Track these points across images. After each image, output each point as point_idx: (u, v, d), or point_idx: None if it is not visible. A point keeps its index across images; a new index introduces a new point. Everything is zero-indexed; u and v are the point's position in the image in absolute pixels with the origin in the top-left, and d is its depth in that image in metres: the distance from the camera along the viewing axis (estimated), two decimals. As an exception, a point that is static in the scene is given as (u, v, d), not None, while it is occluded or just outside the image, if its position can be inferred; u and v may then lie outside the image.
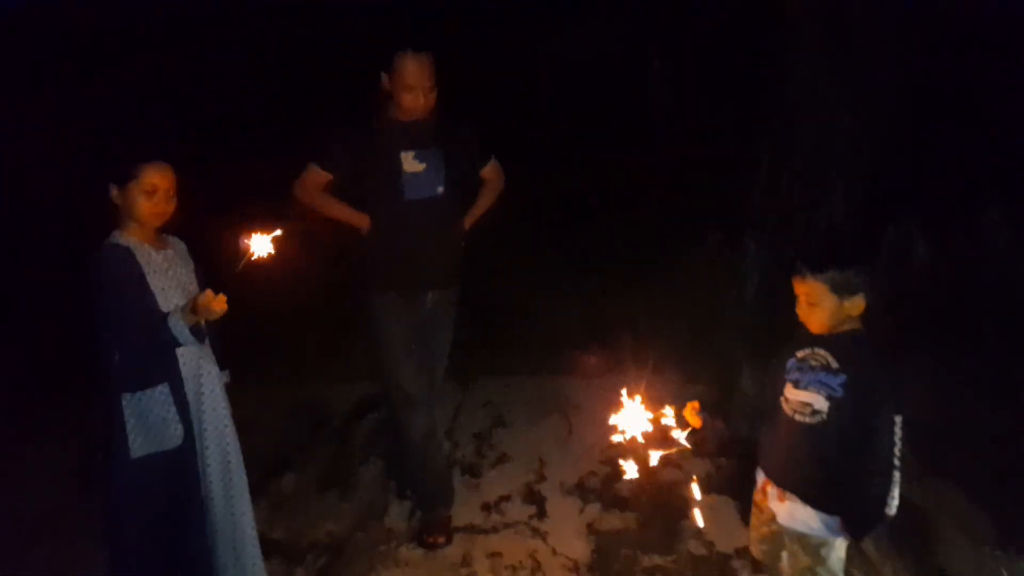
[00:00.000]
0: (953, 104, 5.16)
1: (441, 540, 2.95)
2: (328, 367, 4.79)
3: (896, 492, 1.88)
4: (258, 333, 3.94)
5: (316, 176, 2.80)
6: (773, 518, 2.14)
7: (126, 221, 2.15)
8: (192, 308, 2.00)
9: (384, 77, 2.67)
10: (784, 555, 2.16)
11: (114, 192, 2.13)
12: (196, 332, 2.07)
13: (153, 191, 2.11)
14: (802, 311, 2.01)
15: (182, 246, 2.34)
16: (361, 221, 2.83)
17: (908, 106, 5.02)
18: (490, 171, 3.04)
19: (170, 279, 2.17)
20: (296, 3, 6.75)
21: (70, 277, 2.34)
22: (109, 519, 2.22)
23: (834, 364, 1.96)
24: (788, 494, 2.07)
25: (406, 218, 2.77)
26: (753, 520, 2.27)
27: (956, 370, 4.19)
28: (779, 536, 2.15)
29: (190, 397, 2.19)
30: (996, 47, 5.20)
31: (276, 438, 3.83)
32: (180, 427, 2.16)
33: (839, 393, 1.93)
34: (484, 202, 3.07)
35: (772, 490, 2.13)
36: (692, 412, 2.06)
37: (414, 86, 2.64)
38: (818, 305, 1.96)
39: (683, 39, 6.04)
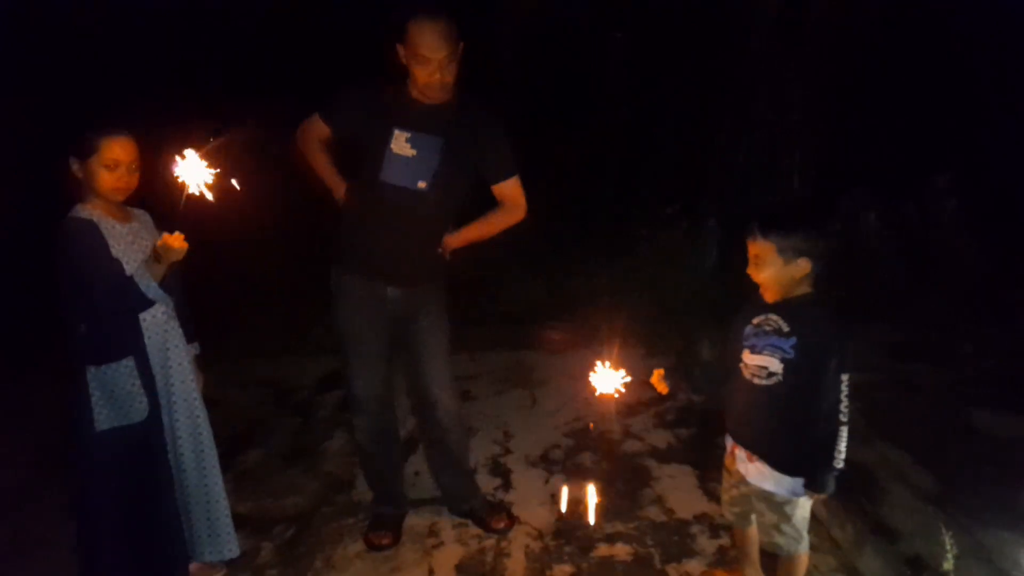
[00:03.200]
0: (902, 78, 5.30)
1: (385, 541, 2.76)
2: (289, 341, 4.78)
3: (843, 447, 1.97)
4: (218, 306, 3.91)
5: (317, 127, 2.55)
6: (742, 480, 2.23)
7: (88, 195, 2.12)
8: (155, 257, 2.02)
9: (400, 50, 2.36)
10: (753, 516, 2.26)
11: (75, 166, 2.10)
12: (165, 288, 2.09)
13: (115, 165, 2.09)
14: (751, 270, 2.09)
15: (147, 218, 2.32)
16: (337, 188, 2.59)
17: (859, 81, 5.14)
18: (506, 189, 2.58)
19: (135, 252, 2.15)
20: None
21: (32, 251, 2.31)
22: (76, 493, 2.22)
23: (785, 327, 2.04)
24: (756, 455, 2.16)
25: (377, 201, 2.48)
26: (724, 484, 2.36)
27: (901, 333, 4.37)
28: (748, 498, 2.24)
29: (156, 370, 2.19)
30: (944, 25, 5.33)
31: (239, 413, 3.84)
32: (146, 400, 2.16)
33: (791, 355, 2.02)
34: (482, 227, 2.65)
35: (740, 452, 2.22)
36: (658, 379, 2.18)
37: (429, 58, 2.28)
38: (764, 265, 2.04)
39: (642, 15, 6.05)
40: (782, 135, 4.98)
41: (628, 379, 2.05)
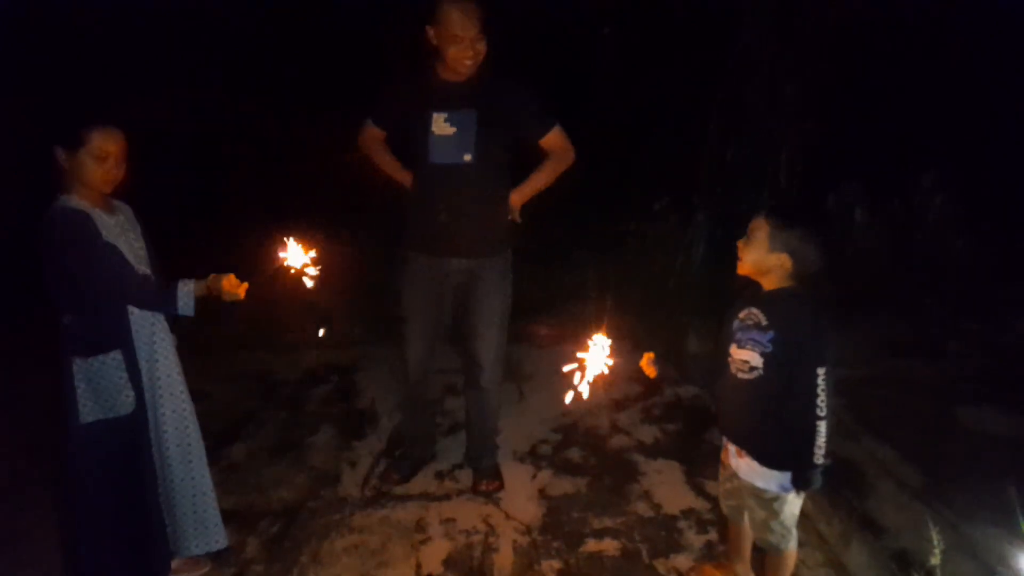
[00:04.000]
0: (892, 76, 5.31)
1: (395, 476, 3.14)
2: (276, 335, 4.75)
3: (822, 442, 1.96)
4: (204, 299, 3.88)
5: (371, 131, 2.83)
6: (735, 474, 2.23)
7: (75, 185, 2.07)
8: (210, 286, 2.07)
9: (430, 32, 2.54)
10: (746, 511, 2.26)
11: (62, 155, 2.05)
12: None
13: (105, 157, 2.05)
14: (741, 242, 2.12)
15: (129, 210, 2.29)
16: (404, 179, 2.83)
17: (848, 78, 5.15)
18: (551, 141, 2.76)
19: (123, 244, 2.12)
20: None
21: (19, 240, 2.28)
22: (62, 486, 2.21)
23: (764, 321, 2.05)
24: (743, 451, 2.16)
25: (431, 182, 2.71)
26: (720, 477, 2.37)
27: (889, 329, 4.40)
28: (740, 491, 2.25)
29: (143, 363, 2.16)
30: (934, 23, 5.35)
31: (224, 406, 3.80)
32: (132, 393, 2.14)
33: (769, 348, 2.03)
34: (539, 177, 2.81)
35: (731, 447, 2.23)
36: (647, 362, 2.19)
37: (461, 37, 2.48)
38: (752, 243, 2.07)
39: (633, 10, 6.03)
40: (772, 131, 4.98)
41: (612, 359, 2.04)
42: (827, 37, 4.93)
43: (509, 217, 2.83)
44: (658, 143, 5.70)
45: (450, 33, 2.49)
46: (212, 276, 2.08)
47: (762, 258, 2.06)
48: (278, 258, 2.19)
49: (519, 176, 2.84)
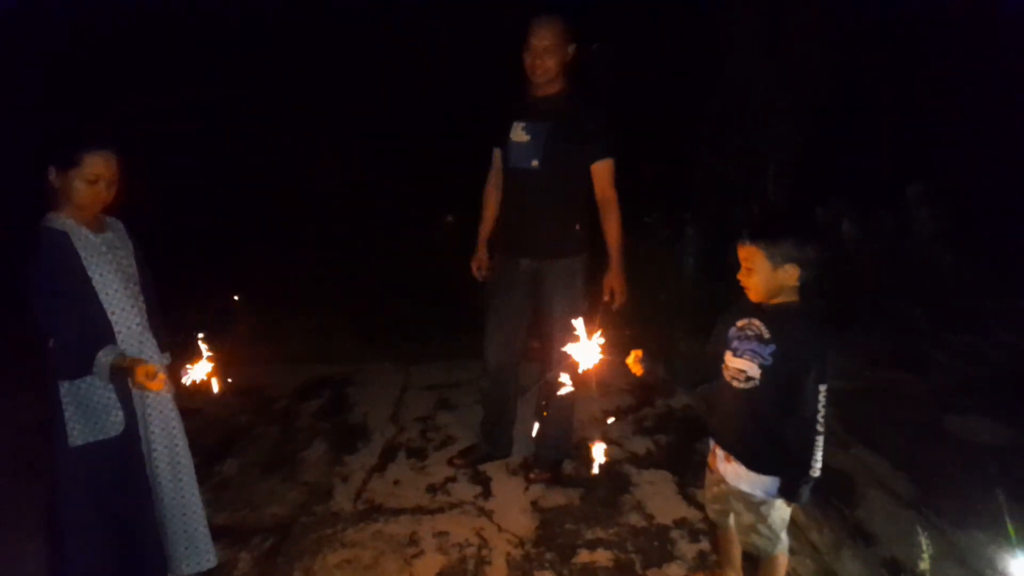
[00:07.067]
0: (878, 89, 5.39)
1: (457, 462, 3.37)
2: (267, 349, 4.74)
3: (819, 455, 1.99)
4: (195, 314, 3.87)
5: (497, 158, 3.09)
6: (722, 479, 2.24)
7: (64, 203, 2.06)
8: (126, 369, 1.97)
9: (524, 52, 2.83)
10: (732, 514, 2.27)
11: (53, 174, 2.04)
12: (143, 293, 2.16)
13: (96, 180, 2.04)
14: (742, 276, 2.11)
15: (121, 227, 2.26)
16: (483, 232, 3.23)
17: (836, 91, 5.22)
18: (599, 170, 2.96)
19: (109, 263, 2.10)
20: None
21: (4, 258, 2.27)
22: (52, 509, 2.17)
23: (766, 334, 2.06)
24: (732, 456, 2.17)
25: (510, 185, 3.01)
26: (707, 481, 2.38)
27: (878, 340, 4.43)
28: (727, 496, 2.25)
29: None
30: (918, 36, 5.44)
31: (216, 422, 3.78)
32: (121, 414, 2.11)
33: (769, 362, 2.03)
34: (610, 242, 3.01)
35: (720, 451, 2.24)
36: (635, 360, 2.19)
37: (533, 46, 2.77)
38: (754, 271, 2.06)
39: (622, 25, 6.10)
40: (762, 146, 5.03)
41: (603, 344, 2.06)
42: (816, 52, 5.01)
43: (576, 228, 2.99)
44: (648, 158, 5.75)
45: (527, 42, 2.80)
46: (131, 360, 2.00)
47: (770, 278, 2.04)
48: (185, 369, 2.15)
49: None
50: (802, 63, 5.03)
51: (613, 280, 3.02)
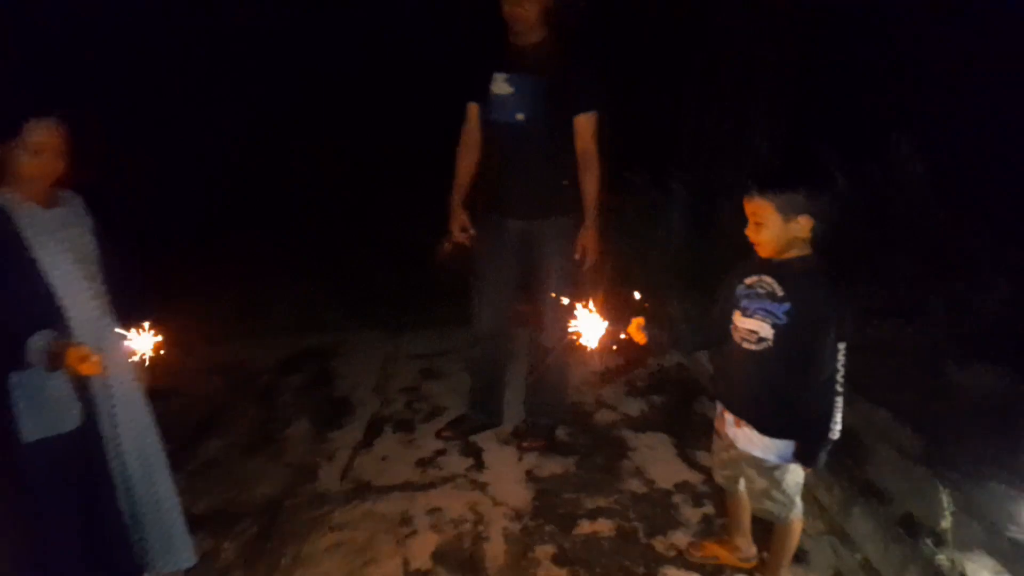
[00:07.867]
0: (867, 39, 5.25)
1: (447, 434, 3.23)
2: (246, 324, 4.56)
3: (839, 417, 1.88)
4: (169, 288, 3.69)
5: (472, 109, 2.88)
6: (732, 444, 2.13)
7: (9, 178, 1.89)
8: (56, 355, 1.78)
9: None
10: (743, 480, 2.16)
11: None
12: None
13: (40, 151, 1.87)
14: (750, 232, 1.97)
15: (78, 202, 2.08)
16: (459, 189, 2.97)
17: (825, 44, 5.08)
18: (581, 123, 2.77)
19: (60, 240, 1.93)
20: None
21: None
22: (11, 507, 1.99)
23: (779, 292, 1.93)
24: (743, 420, 2.06)
25: (491, 139, 2.83)
26: (714, 446, 2.28)
27: (875, 294, 4.34)
28: (738, 461, 2.15)
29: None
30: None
31: (195, 402, 3.61)
32: (78, 406, 1.95)
33: (783, 320, 1.91)
34: (586, 195, 2.83)
35: (729, 416, 2.12)
36: (636, 328, 2.06)
37: None
38: (764, 224, 1.91)
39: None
40: (750, 100, 4.90)
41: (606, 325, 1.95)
42: (802, 5, 4.85)
43: (564, 183, 2.82)
44: (635, 116, 5.59)
45: None
46: (61, 343, 1.81)
47: (781, 232, 1.89)
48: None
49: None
50: (790, 14, 4.88)
51: (587, 238, 2.86)
